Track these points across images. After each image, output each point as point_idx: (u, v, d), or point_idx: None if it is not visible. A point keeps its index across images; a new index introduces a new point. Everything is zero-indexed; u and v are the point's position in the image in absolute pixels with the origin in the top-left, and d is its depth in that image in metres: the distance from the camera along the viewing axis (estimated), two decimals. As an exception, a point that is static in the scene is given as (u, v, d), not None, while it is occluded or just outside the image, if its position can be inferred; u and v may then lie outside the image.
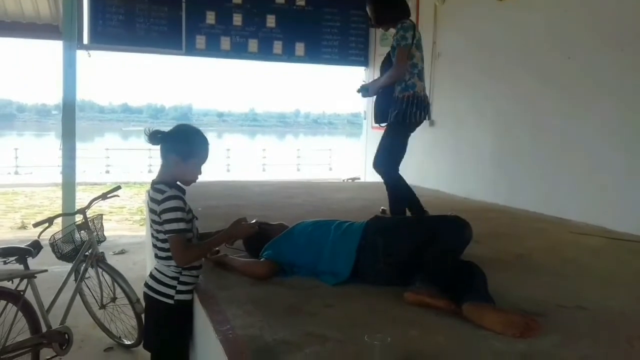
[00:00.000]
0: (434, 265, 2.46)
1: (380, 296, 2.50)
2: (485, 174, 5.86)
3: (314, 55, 8.48)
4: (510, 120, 5.50)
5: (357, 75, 9.09)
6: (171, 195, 2.41)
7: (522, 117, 5.32)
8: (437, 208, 4.82)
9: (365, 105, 8.90)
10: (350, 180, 8.97)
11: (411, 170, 7.32)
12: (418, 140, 7.18)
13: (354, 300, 2.47)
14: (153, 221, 2.47)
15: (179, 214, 2.39)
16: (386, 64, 4.25)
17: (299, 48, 8.36)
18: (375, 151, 4.30)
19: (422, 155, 7.11)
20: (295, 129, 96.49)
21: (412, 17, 7.09)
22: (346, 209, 4.94)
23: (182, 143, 2.51)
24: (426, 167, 7.01)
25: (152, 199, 2.46)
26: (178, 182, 2.51)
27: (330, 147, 26.16)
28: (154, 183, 2.51)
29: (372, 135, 8.69)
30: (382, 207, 4.74)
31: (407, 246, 2.61)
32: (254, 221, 2.84)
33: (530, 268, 3.19)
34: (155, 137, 2.49)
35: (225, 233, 2.68)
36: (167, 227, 2.39)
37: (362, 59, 8.71)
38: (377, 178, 8.05)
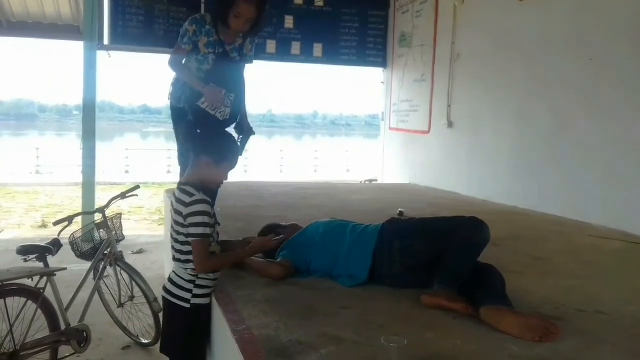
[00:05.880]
0: (451, 264, 2.44)
1: (397, 298, 2.49)
2: (504, 177, 5.81)
3: (332, 55, 8.48)
4: (529, 122, 5.45)
5: (376, 75, 9.09)
6: (199, 198, 2.41)
7: (542, 119, 5.26)
8: (454, 210, 4.79)
9: (383, 107, 8.89)
10: (367, 182, 8.95)
11: (428, 172, 7.33)
12: (435, 142, 7.20)
13: (370, 301, 2.46)
14: (176, 222, 2.47)
15: (205, 219, 2.39)
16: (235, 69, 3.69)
17: (317, 49, 8.36)
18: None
19: (439, 157, 7.08)
20: (312, 130, 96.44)
21: (432, 18, 7.13)
22: (363, 211, 4.93)
23: (218, 145, 2.54)
24: (443, 169, 6.97)
25: (177, 200, 2.46)
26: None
27: (347, 149, 26.13)
28: (180, 184, 2.52)
29: (390, 137, 8.68)
30: (399, 209, 4.73)
31: (423, 248, 2.59)
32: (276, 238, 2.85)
33: (549, 271, 3.16)
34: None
35: (249, 250, 2.71)
36: (192, 230, 2.39)
37: (380, 60, 8.69)
38: (393, 179, 7.99)
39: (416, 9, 7.63)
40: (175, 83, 3.63)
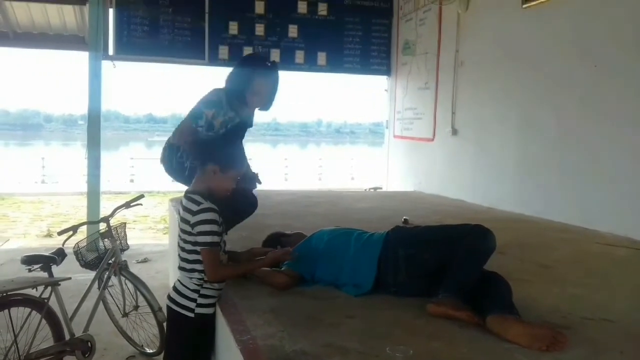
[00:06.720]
0: (457, 272, 2.42)
1: (403, 307, 2.48)
2: (510, 184, 5.79)
3: (336, 64, 8.50)
4: (534, 129, 5.43)
5: (380, 84, 9.10)
6: (207, 207, 2.41)
7: (547, 125, 5.24)
8: (459, 218, 4.77)
9: (388, 115, 8.89)
10: (372, 190, 8.93)
11: (433, 179, 7.32)
12: (440, 149, 7.19)
13: (375, 311, 2.44)
14: (183, 231, 2.47)
15: (214, 227, 2.39)
16: None
17: (321, 57, 8.38)
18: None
19: (444, 164, 7.07)
20: (317, 138, 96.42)
21: (435, 26, 7.14)
22: (368, 219, 4.91)
23: (224, 153, 2.54)
24: (448, 176, 6.95)
25: (185, 208, 2.46)
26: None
27: (352, 157, 26.13)
28: (187, 192, 2.52)
29: (395, 145, 8.68)
30: (404, 217, 4.71)
31: (428, 256, 2.58)
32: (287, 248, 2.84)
33: (556, 279, 3.14)
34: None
35: (263, 262, 2.68)
36: (201, 239, 2.38)
37: (384, 68, 8.70)
38: (398, 187, 7.97)
39: (420, 17, 7.64)
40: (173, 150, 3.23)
